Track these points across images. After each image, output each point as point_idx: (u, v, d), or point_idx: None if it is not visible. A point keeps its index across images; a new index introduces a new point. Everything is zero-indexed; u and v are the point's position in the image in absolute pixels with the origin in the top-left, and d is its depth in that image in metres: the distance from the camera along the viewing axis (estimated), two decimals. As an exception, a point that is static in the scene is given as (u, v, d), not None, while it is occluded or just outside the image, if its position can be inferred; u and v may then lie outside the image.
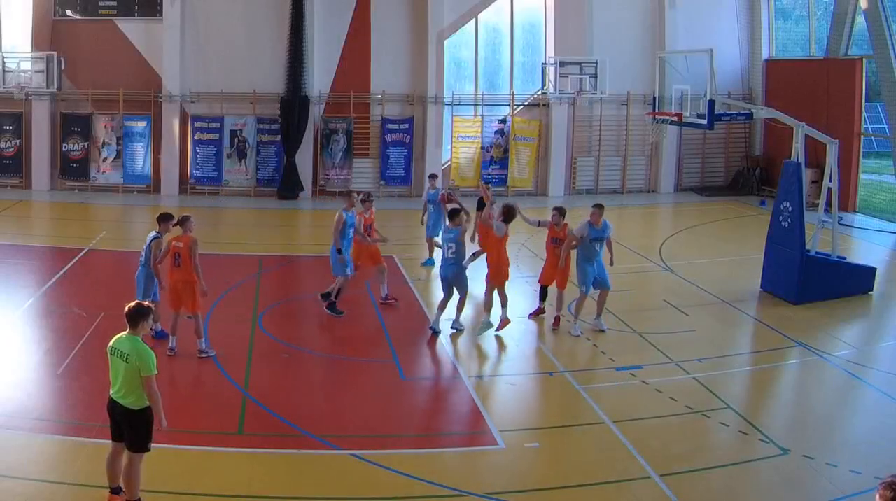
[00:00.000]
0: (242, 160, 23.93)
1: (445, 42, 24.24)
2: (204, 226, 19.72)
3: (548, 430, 9.28)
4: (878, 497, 4.55)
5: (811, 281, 13.84)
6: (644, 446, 8.58)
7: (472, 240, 13.75)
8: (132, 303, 7.17)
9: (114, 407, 7.01)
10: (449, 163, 24.40)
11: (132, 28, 23.65)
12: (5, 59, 22.78)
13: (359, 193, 13.38)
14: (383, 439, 8.89)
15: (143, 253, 11.15)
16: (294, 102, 23.18)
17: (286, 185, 23.51)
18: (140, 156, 23.71)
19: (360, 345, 12.04)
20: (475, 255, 12.85)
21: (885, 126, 22.18)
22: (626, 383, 10.45)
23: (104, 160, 23.68)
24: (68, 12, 23.83)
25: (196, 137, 23.72)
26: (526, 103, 25.08)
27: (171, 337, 10.85)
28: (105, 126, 23.61)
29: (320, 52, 23.75)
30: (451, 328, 12.22)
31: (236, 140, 23.84)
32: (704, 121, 14.70)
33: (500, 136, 24.57)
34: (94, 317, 12.04)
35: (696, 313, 13.43)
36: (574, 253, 12.48)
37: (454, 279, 12.09)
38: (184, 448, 8.19)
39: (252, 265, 16.03)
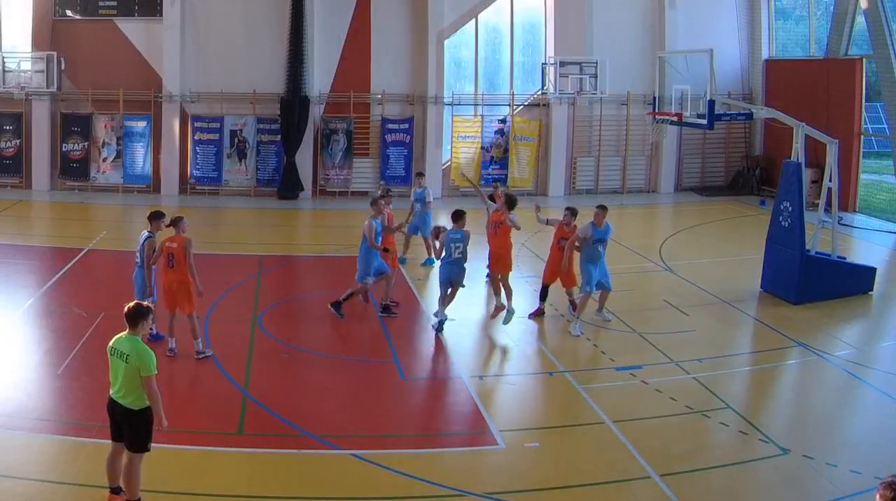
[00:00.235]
0: (242, 160, 23.92)
1: (445, 42, 24.23)
2: (204, 226, 19.81)
3: (548, 430, 9.28)
4: (878, 497, 4.55)
5: (811, 281, 13.84)
6: (644, 446, 8.58)
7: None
8: (131, 304, 7.18)
9: (114, 407, 7.01)
10: (449, 163, 24.41)
11: (132, 28, 23.64)
12: (5, 59, 22.77)
13: (383, 197, 13.34)
14: (383, 439, 8.89)
15: (138, 254, 11.13)
16: (294, 102, 23.18)
17: (286, 185, 23.51)
18: (140, 156, 23.71)
19: (360, 345, 12.06)
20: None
21: (885, 126, 22.17)
22: (626, 383, 10.45)
23: (104, 160, 23.68)
24: (68, 12, 23.82)
25: (196, 137, 23.72)
26: (526, 103, 25.08)
27: (169, 338, 10.83)
28: (105, 126, 23.61)
29: (320, 52, 23.74)
30: (435, 319, 12.16)
31: (236, 140, 23.84)
32: (704, 121, 14.70)
33: (500, 136, 24.57)
34: (94, 317, 12.04)
35: (696, 313, 13.43)
36: (577, 254, 12.54)
37: (457, 279, 12.08)
38: (184, 448, 8.19)
39: (252, 265, 16.03)
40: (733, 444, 8.82)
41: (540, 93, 24.88)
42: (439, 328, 12.07)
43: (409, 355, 11.58)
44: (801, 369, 11.36)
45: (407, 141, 24.23)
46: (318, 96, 23.82)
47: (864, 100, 22.33)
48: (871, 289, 14.50)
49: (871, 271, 14.68)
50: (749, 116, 16.58)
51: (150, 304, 7.42)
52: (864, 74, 22.00)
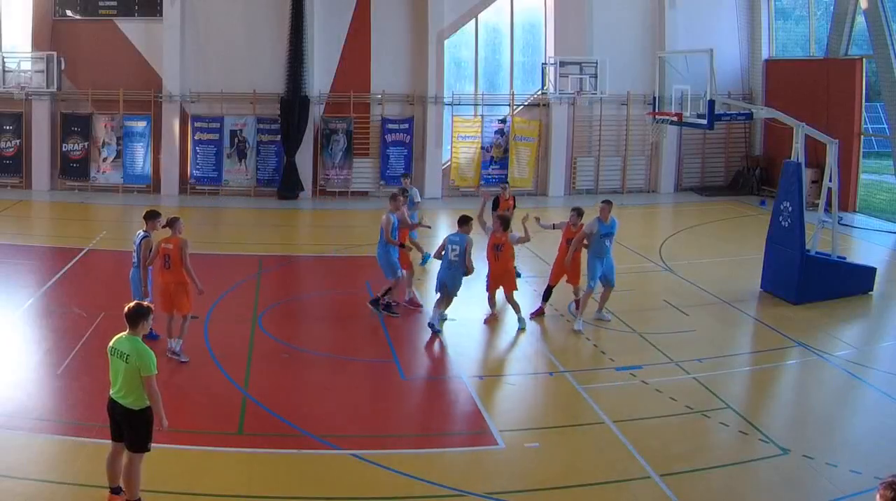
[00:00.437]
0: (242, 160, 23.93)
1: (445, 42, 24.23)
2: (204, 226, 19.83)
3: (548, 430, 9.27)
4: (878, 497, 4.54)
5: (811, 281, 13.84)
6: (644, 446, 8.58)
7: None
8: (132, 304, 7.19)
9: (114, 407, 7.01)
10: (449, 163, 24.42)
11: (132, 28, 23.64)
12: (5, 59, 22.77)
13: (402, 191, 13.45)
14: (383, 439, 8.89)
15: (135, 254, 11.09)
16: (294, 102, 23.18)
17: (286, 185, 23.51)
18: (140, 156, 23.71)
19: (360, 345, 12.05)
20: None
21: (885, 126, 22.17)
22: (626, 383, 10.45)
23: (104, 160, 23.68)
24: (68, 12, 23.82)
25: (196, 137, 23.72)
26: (526, 103, 25.08)
27: (169, 339, 10.80)
28: (105, 126, 23.61)
29: (320, 52, 23.74)
30: (433, 321, 12.12)
31: (236, 140, 23.84)
32: (704, 121, 14.70)
33: (500, 136, 24.57)
34: (94, 317, 12.04)
35: (696, 313, 13.43)
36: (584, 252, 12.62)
37: (450, 284, 12.06)
38: (184, 448, 8.19)
39: (252, 265, 16.02)
40: (733, 444, 8.82)
41: (540, 93, 24.88)
42: (437, 328, 12.06)
43: (409, 355, 11.59)
44: (801, 369, 11.36)
45: (407, 141, 24.23)
46: (318, 96, 23.82)
47: (864, 100, 22.33)
48: (871, 289, 14.50)
49: (871, 271, 14.68)
50: (749, 116, 16.58)
51: (150, 304, 7.42)
52: (864, 74, 22.00)
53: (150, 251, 10.87)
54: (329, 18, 23.83)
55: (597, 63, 23.61)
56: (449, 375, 10.98)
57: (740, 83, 25.64)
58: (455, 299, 12.29)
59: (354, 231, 19.63)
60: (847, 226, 20.17)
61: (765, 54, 25.44)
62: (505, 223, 12.44)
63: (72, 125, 23.53)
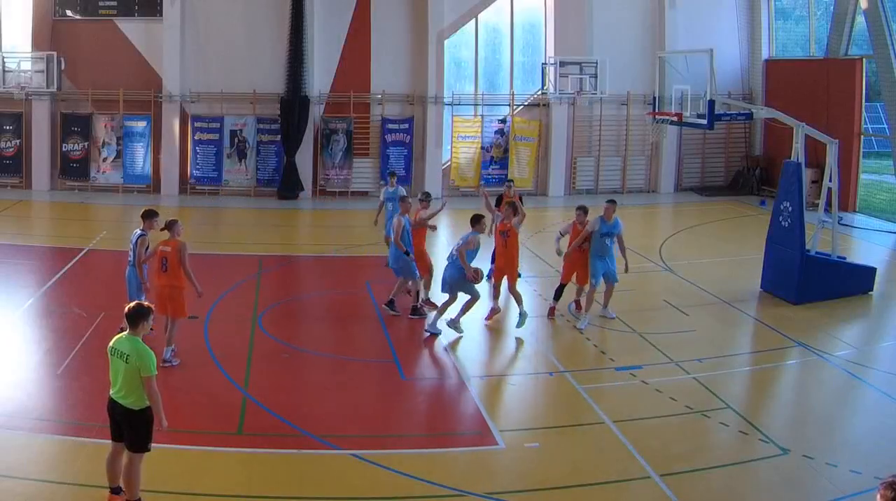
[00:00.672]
0: (242, 160, 23.93)
1: (445, 42, 24.23)
2: (204, 226, 19.83)
3: (548, 430, 9.27)
4: (878, 497, 4.54)
5: (811, 281, 13.84)
6: (644, 446, 8.58)
7: (490, 233, 13.80)
8: (132, 304, 7.19)
9: (114, 408, 7.01)
10: (449, 163, 24.42)
11: (132, 28, 23.64)
12: (5, 59, 22.77)
13: (422, 200, 13.89)
14: (383, 439, 8.88)
15: (131, 253, 11.05)
16: (294, 102, 23.18)
17: (286, 185, 23.51)
18: (140, 156, 23.71)
19: (360, 345, 12.05)
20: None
21: (885, 126, 22.17)
22: (626, 383, 10.45)
23: (104, 160, 23.68)
24: (68, 12, 23.82)
25: (196, 137, 23.72)
26: (526, 103, 25.08)
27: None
28: (105, 126, 23.61)
29: (320, 52, 23.74)
30: (448, 325, 12.05)
31: (236, 140, 23.84)
32: (704, 121, 14.70)
33: (500, 136, 24.57)
34: (94, 317, 12.03)
35: (696, 313, 13.43)
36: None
37: (451, 281, 12.03)
38: (184, 448, 8.19)
39: (252, 265, 16.02)
40: (733, 444, 8.82)
41: (540, 93, 24.88)
42: (436, 330, 12.05)
43: (409, 355, 11.58)
44: (801, 369, 11.36)
45: (407, 141, 24.23)
46: (318, 96, 23.82)
47: (864, 100, 22.33)
48: (871, 289, 14.50)
49: (871, 271, 14.68)
50: (749, 116, 16.57)
51: (150, 305, 7.41)
52: (864, 74, 22.00)
53: (146, 249, 10.84)
54: (329, 18, 23.83)
55: (597, 63, 23.61)
56: (449, 375, 10.97)
57: (740, 83, 25.64)
58: (454, 299, 12.27)
59: (354, 231, 19.63)
60: (847, 226, 20.17)
61: (765, 54, 25.44)
62: (514, 210, 12.68)
63: (72, 125, 23.53)
